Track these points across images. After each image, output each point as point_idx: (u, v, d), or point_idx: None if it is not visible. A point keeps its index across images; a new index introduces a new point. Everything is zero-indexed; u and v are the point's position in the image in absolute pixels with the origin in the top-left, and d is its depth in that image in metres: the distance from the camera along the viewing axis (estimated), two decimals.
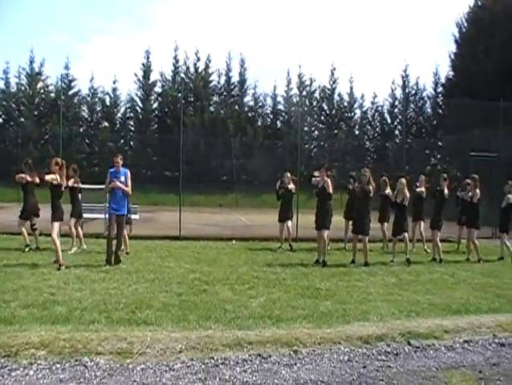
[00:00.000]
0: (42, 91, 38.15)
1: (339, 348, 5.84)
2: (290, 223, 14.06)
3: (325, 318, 6.93)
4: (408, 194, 12.33)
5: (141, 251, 12.44)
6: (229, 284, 8.98)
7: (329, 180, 11.73)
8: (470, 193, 13.23)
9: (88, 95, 38.60)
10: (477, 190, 13.06)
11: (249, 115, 39.34)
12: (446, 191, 12.99)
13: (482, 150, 20.06)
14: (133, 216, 14.55)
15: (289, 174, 14.45)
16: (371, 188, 11.64)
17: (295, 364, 5.33)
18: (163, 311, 6.95)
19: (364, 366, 5.35)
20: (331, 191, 11.69)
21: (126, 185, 10.63)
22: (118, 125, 38.73)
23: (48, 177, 10.24)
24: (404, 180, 12.44)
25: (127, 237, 11.97)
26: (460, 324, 6.85)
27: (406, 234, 12.46)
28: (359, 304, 7.79)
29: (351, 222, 12.77)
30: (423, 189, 13.68)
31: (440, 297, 8.55)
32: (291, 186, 14.16)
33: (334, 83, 40.76)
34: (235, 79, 40.41)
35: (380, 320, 6.91)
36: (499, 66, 32.43)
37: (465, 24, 39.20)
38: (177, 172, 19.31)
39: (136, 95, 38.65)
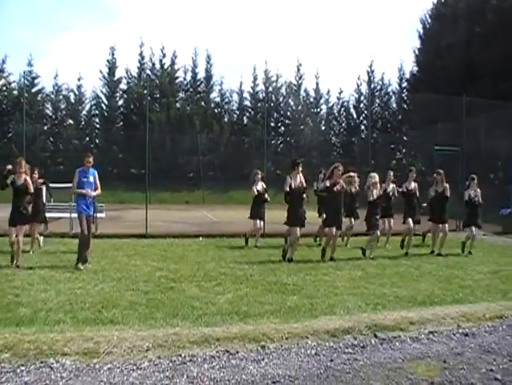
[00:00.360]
0: (4, 88, 37.42)
1: (306, 342, 5.87)
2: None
3: (292, 312, 6.96)
4: (378, 189, 12.38)
5: (107, 250, 12.31)
6: (196, 281, 8.95)
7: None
8: (440, 187, 13.14)
9: (52, 93, 38.10)
10: (446, 184, 13.06)
11: (216, 111, 39.33)
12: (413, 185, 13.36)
13: (446, 144, 20.41)
14: (99, 215, 14.40)
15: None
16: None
17: (263, 359, 5.33)
18: (129, 310, 6.89)
19: (331, 360, 5.38)
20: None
21: (95, 186, 10.50)
22: (83, 123, 38.26)
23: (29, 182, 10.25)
24: (375, 175, 12.44)
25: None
26: (425, 315, 6.95)
27: (378, 232, 12.45)
28: (325, 298, 7.84)
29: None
30: (391, 187, 13.80)
31: (406, 290, 8.67)
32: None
33: (300, 78, 41.05)
34: (201, 75, 40.50)
35: (347, 313, 6.96)
36: (461, 62, 33.09)
37: (429, 20, 39.97)
38: (144, 169, 19.18)
39: (102, 91, 38.36)
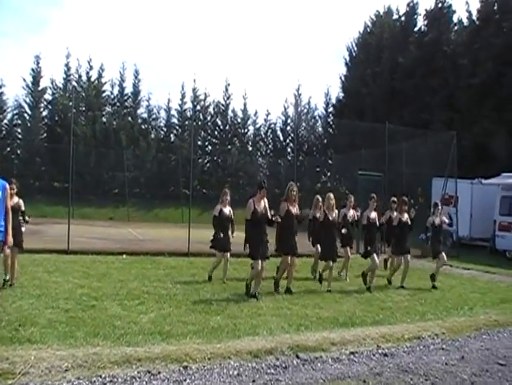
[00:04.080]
0: None
1: (228, 363, 5.86)
2: None
3: (215, 332, 6.94)
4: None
5: (27, 265, 11.80)
6: (119, 299, 8.78)
7: None
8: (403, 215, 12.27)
9: None
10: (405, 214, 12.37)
11: (143, 127, 38.76)
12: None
13: (369, 169, 20.99)
14: None
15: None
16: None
17: (185, 380, 5.28)
18: (49, 328, 6.66)
19: (254, 380, 5.39)
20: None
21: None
22: (4, 132, 36.78)
23: None
24: (332, 196, 11.54)
25: None
26: (346, 336, 7.10)
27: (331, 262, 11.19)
28: (249, 318, 7.86)
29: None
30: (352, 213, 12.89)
31: (328, 311, 8.82)
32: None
33: (228, 98, 41.11)
34: (129, 90, 39.75)
35: (270, 334, 7.00)
36: (385, 91, 34.35)
37: (355, 48, 41.19)
38: (67, 183, 18.68)
39: (25, 101, 36.89)
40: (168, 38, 72.22)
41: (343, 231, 11.98)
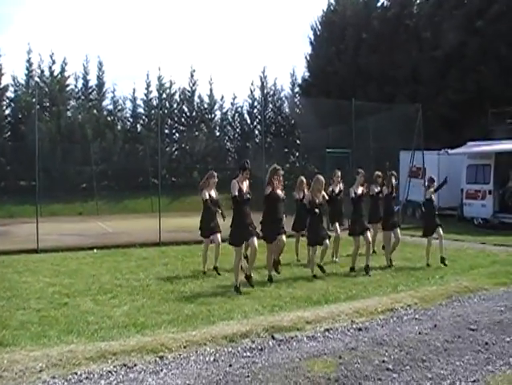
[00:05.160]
0: None
1: (204, 349, 5.89)
2: None
3: (190, 320, 6.96)
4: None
5: None
6: (91, 295, 8.71)
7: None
8: (385, 189, 12.22)
9: None
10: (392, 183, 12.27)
11: (109, 119, 38.28)
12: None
13: (337, 147, 21.10)
14: None
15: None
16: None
17: (161, 370, 5.29)
18: (21, 330, 6.58)
19: (230, 365, 5.43)
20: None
21: None
22: None
23: None
24: (321, 178, 10.88)
25: None
26: (320, 314, 7.18)
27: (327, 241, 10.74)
28: (223, 303, 7.89)
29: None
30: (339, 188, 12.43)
31: (302, 290, 8.90)
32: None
33: (194, 85, 40.80)
34: (93, 82, 39.11)
35: (245, 317, 7.05)
36: (350, 68, 34.50)
37: (319, 27, 41.13)
38: (33, 181, 18.39)
39: None
40: (131, 28, 71.24)
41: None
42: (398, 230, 12.02)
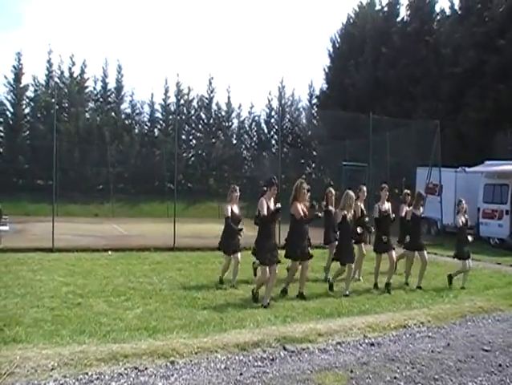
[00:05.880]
0: None
1: (215, 356, 5.87)
2: None
3: (202, 326, 6.95)
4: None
5: (11, 264, 11.73)
6: (105, 296, 8.74)
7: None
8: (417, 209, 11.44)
9: None
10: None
11: (126, 122, 38.64)
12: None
13: (354, 160, 21.05)
14: (2, 228, 13.78)
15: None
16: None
17: (172, 375, 5.29)
18: (34, 327, 6.63)
19: (241, 373, 5.41)
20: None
21: None
22: None
23: None
24: (351, 194, 10.24)
25: None
26: (333, 327, 7.15)
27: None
28: (235, 311, 7.88)
29: None
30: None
31: (314, 302, 8.85)
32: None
33: (212, 92, 41.08)
34: (112, 85, 39.60)
35: (257, 326, 7.03)
36: (368, 81, 34.47)
37: (338, 40, 41.22)
38: (51, 180, 18.54)
39: (6, 98, 36.48)
40: (151, 32, 71.85)
41: (359, 230, 10.73)
42: (425, 252, 11.36)
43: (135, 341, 6.19)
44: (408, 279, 11.43)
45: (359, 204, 11.34)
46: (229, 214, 10.36)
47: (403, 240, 11.82)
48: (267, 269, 8.58)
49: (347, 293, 9.73)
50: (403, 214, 12.01)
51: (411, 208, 11.64)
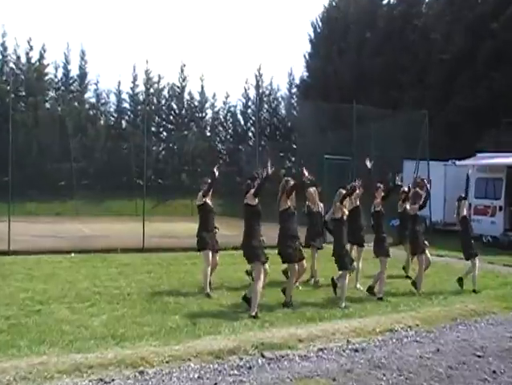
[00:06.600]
0: None
1: (188, 365, 5.87)
2: None
3: (173, 333, 6.95)
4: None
5: None
6: (67, 302, 8.68)
7: None
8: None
9: None
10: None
11: (91, 113, 38.19)
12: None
13: (336, 153, 21.09)
14: None
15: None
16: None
17: None
18: None
19: (216, 383, 5.41)
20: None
21: None
22: None
23: None
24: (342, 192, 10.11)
25: None
26: (314, 332, 7.19)
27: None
28: (210, 317, 7.89)
29: None
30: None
31: (294, 305, 8.85)
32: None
33: (184, 80, 40.72)
34: (74, 72, 38.89)
35: (232, 332, 7.04)
36: (352, 69, 34.57)
37: (320, 24, 41.23)
38: (6, 177, 18.26)
39: None
40: (117, 15, 71.09)
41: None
42: (428, 254, 11.46)
43: (100, 350, 6.15)
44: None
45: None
46: (201, 203, 10.23)
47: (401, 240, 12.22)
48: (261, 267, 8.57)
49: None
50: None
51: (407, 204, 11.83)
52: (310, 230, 11.65)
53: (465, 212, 11.51)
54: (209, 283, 9.87)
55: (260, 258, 8.45)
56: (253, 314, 8.06)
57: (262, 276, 8.45)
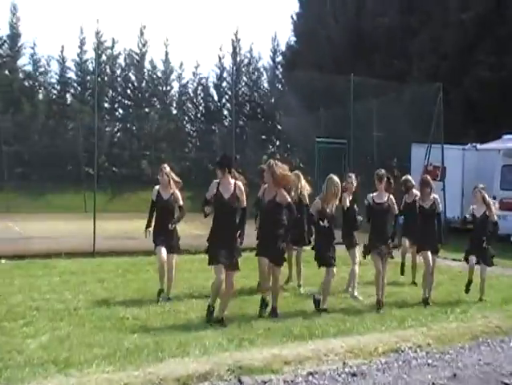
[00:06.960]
0: None
1: None
2: None
3: (131, 356, 6.91)
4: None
5: None
6: None
7: None
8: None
9: None
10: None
11: (26, 84, 37.85)
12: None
13: (330, 136, 21.16)
14: None
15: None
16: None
17: None
18: None
19: None
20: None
21: None
22: None
23: None
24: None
25: None
26: (303, 352, 7.19)
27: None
28: (176, 334, 7.88)
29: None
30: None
31: (280, 319, 8.94)
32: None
33: (144, 46, 40.51)
34: (4, 32, 38.38)
35: (204, 353, 7.04)
36: (349, 33, 34.56)
37: None
38: None
39: None
40: None
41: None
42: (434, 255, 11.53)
43: (38, 380, 6.09)
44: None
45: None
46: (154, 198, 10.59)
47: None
48: (221, 270, 8.65)
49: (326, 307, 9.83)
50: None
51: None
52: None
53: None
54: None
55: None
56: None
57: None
